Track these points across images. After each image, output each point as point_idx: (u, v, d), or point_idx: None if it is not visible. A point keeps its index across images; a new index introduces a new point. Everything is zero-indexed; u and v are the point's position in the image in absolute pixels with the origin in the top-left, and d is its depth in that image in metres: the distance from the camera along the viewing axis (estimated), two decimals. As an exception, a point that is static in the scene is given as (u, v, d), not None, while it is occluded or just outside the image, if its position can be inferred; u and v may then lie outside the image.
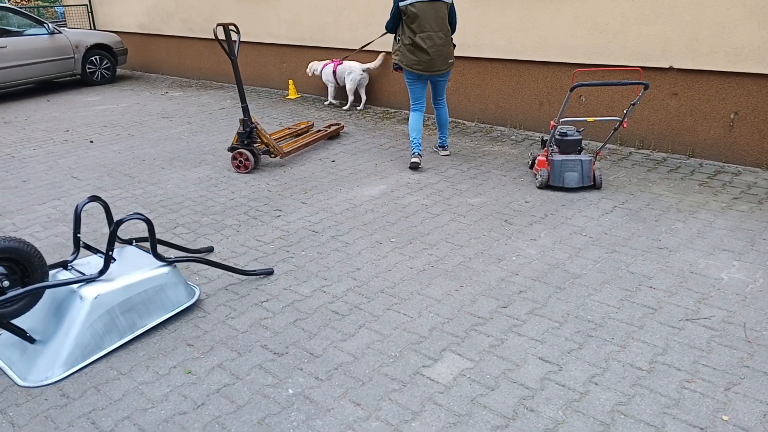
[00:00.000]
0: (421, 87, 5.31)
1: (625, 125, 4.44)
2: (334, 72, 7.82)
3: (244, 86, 9.97)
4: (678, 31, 5.19)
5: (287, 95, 8.94)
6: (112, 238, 2.78)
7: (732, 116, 5.13)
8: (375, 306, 3.14)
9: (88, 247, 3.09)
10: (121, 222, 2.77)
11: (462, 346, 2.78)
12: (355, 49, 7.74)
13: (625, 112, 4.42)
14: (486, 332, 2.88)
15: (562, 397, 2.42)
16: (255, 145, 5.54)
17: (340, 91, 8.24)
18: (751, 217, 4.10)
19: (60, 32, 10.29)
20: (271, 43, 9.19)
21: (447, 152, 5.82)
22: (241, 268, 3.42)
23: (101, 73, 11.01)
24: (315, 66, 8.01)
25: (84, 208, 4.53)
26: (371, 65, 7.71)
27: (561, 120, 4.57)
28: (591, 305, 3.09)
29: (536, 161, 4.97)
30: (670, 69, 5.35)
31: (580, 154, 4.82)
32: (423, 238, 3.96)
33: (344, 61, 7.77)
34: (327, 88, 8.31)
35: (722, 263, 3.48)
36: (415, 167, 5.36)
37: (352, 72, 7.67)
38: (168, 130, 7.15)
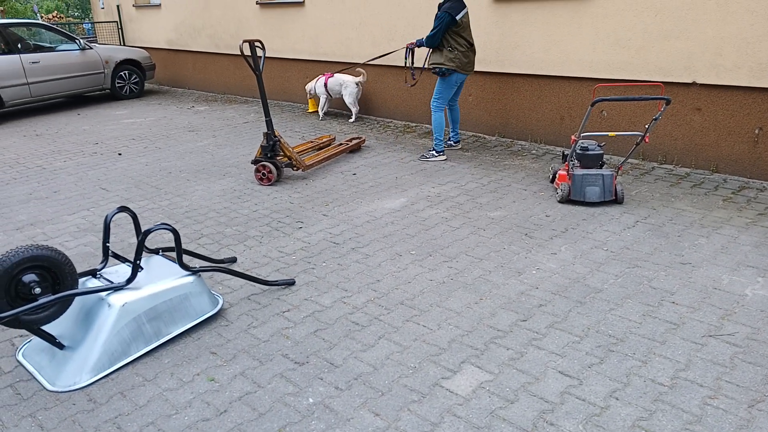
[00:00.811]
0: (459, 89, 6.24)
1: (647, 140, 4.43)
2: (325, 84, 8.11)
3: (267, 100, 10.15)
4: (701, 46, 5.17)
5: (307, 109, 9.06)
6: (140, 248, 2.86)
7: (756, 132, 5.08)
8: (395, 317, 3.17)
9: (116, 256, 3.17)
10: (149, 232, 2.84)
11: (481, 358, 2.79)
12: (356, 63, 7.91)
13: (647, 126, 4.41)
14: (505, 345, 2.89)
15: (582, 411, 2.41)
16: (278, 158, 5.63)
17: (333, 103, 8.63)
18: (776, 233, 4.04)
19: (91, 48, 10.59)
20: (295, 59, 9.34)
21: (460, 145, 6.66)
22: (263, 279, 3.48)
23: (130, 87, 11.29)
24: (310, 85, 8.42)
25: (113, 219, 4.65)
26: (361, 79, 7.98)
27: (582, 134, 4.57)
28: (612, 320, 3.08)
29: (557, 175, 4.96)
30: (693, 84, 5.33)
31: (601, 168, 4.81)
32: (443, 251, 3.98)
33: (335, 74, 8.03)
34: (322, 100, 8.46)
35: (746, 279, 3.44)
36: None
37: (348, 86, 7.92)
38: (194, 143, 7.30)
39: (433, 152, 6.20)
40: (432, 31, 5.81)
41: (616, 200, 4.73)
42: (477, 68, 6.79)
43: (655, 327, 2.99)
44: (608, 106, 5.91)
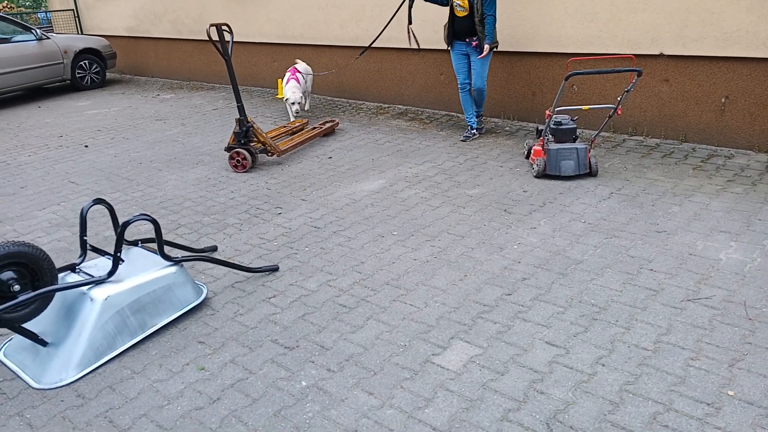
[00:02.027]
0: None
1: (619, 112, 4.50)
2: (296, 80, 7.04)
3: (230, 86, 9.97)
4: (667, 18, 5.25)
5: (277, 94, 8.95)
6: (120, 240, 2.80)
7: (723, 100, 5.20)
8: (381, 298, 3.18)
9: (95, 250, 3.11)
10: (128, 223, 2.79)
11: (470, 333, 2.82)
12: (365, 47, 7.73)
13: (619, 99, 4.48)
14: (492, 319, 2.93)
15: (570, 379, 2.47)
16: (252, 144, 5.56)
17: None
18: (745, 198, 4.16)
19: (48, 38, 10.24)
20: (262, 42, 9.19)
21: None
22: (246, 266, 3.45)
23: (91, 77, 10.97)
24: (287, 92, 6.95)
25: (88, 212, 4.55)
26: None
27: (556, 109, 4.62)
28: (594, 290, 3.14)
29: (532, 151, 5.02)
30: (661, 56, 5.41)
31: (575, 142, 4.87)
32: (424, 230, 4.00)
33: (297, 66, 7.30)
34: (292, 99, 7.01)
35: (720, 244, 3.54)
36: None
37: (310, 74, 7.49)
38: (162, 133, 7.15)
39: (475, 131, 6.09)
40: (492, 16, 5.42)
41: (591, 173, 4.80)
42: (436, 46, 6.78)
43: (635, 294, 3.07)
44: (579, 80, 5.97)
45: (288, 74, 7.08)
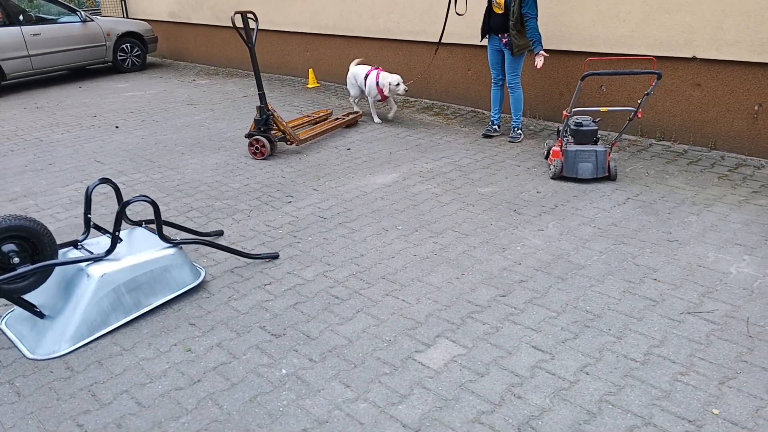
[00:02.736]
0: None
1: (639, 115, 4.37)
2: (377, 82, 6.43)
3: (267, 74, 10.09)
4: (702, 20, 5.06)
5: (307, 84, 9.00)
6: (119, 219, 2.87)
7: (756, 108, 4.99)
8: (375, 291, 3.18)
9: (98, 228, 3.20)
10: (127, 203, 2.86)
11: (457, 332, 2.80)
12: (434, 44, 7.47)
13: (639, 102, 4.35)
14: (482, 320, 2.89)
15: (551, 385, 2.42)
16: (272, 132, 5.61)
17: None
18: (768, 211, 4.00)
19: (92, 20, 10.53)
20: (295, 32, 9.25)
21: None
22: (246, 252, 3.49)
23: (132, 60, 11.23)
24: (388, 77, 6.38)
25: (103, 192, 4.68)
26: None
27: (574, 110, 4.51)
28: (591, 296, 3.07)
29: (551, 152, 4.92)
30: (693, 59, 5.22)
31: (596, 144, 4.75)
32: (430, 227, 3.97)
33: (380, 71, 6.50)
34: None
35: (733, 257, 3.41)
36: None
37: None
38: (191, 117, 7.28)
39: (520, 131, 5.88)
40: (533, 19, 5.26)
41: (609, 177, 4.68)
42: (475, 41, 6.70)
43: (634, 303, 2.99)
44: (607, 81, 5.82)
45: (372, 72, 6.47)
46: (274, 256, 3.55)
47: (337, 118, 6.54)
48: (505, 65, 5.72)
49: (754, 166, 4.87)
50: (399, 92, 6.33)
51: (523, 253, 3.57)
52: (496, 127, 6.03)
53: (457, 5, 5.92)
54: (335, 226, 4.03)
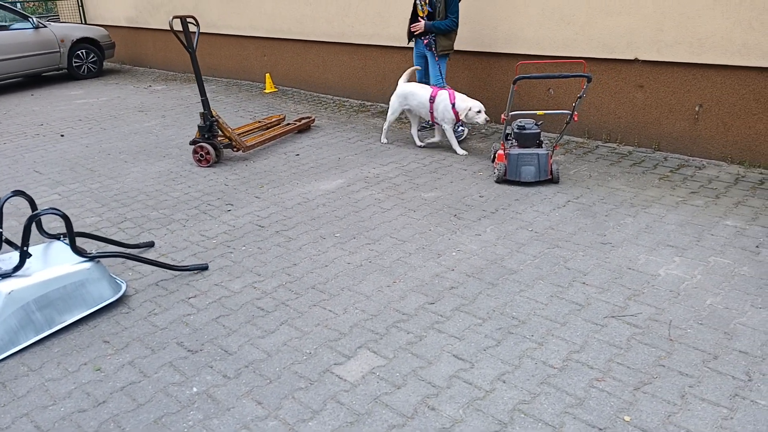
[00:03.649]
0: None
1: (576, 119, 4.38)
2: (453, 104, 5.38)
3: (226, 79, 9.96)
4: (643, 21, 5.10)
5: (264, 89, 8.90)
6: (27, 233, 2.76)
7: (697, 109, 5.05)
8: (302, 302, 3.11)
9: (9, 243, 3.08)
10: (34, 216, 2.75)
11: (379, 343, 2.74)
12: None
13: (573, 105, 4.36)
14: (407, 329, 2.85)
15: (466, 395, 2.39)
16: (218, 138, 5.52)
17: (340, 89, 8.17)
18: (704, 212, 4.02)
19: (45, 26, 10.30)
20: (253, 36, 9.15)
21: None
22: (172, 264, 3.40)
23: (88, 67, 11.01)
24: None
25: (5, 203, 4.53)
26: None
27: (510, 113, 4.51)
28: (519, 301, 3.05)
29: (496, 155, 4.91)
30: (636, 61, 5.27)
31: (539, 147, 4.75)
32: (368, 233, 3.92)
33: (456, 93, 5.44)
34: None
35: (663, 259, 3.42)
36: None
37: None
38: (141, 124, 7.14)
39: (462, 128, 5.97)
40: (454, 13, 5.50)
41: (552, 180, 4.68)
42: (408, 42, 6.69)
43: (559, 308, 2.97)
44: (555, 84, 5.84)
45: (441, 93, 5.43)
46: (203, 268, 3.46)
47: (288, 124, 6.47)
48: (429, 69, 5.86)
49: (695, 167, 4.92)
50: (478, 121, 5.25)
51: (458, 258, 3.54)
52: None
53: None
54: (271, 234, 3.95)
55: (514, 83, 4.10)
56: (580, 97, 4.26)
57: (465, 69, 6.55)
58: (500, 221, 4.03)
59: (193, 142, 5.47)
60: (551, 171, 4.65)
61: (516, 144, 4.80)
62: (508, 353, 2.64)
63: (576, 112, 4.38)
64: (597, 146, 5.57)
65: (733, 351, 2.59)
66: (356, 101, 7.95)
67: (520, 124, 4.76)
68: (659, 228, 3.81)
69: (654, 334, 2.73)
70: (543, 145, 4.76)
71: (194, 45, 5.19)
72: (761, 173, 4.69)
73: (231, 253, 3.70)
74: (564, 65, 5.57)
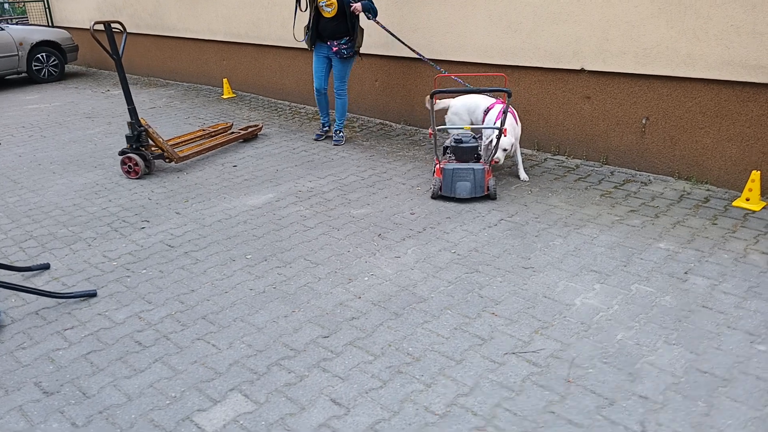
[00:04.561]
0: None
1: (505, 133, 4.17)
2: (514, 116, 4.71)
3: (186, 83, 9.72)
4: (588, 30, 4.90)
5: (222, 95, 8.67)
6: None
7: (644, 122, 4.85)
8: (186, 335, 2.88)
9: None
10: None
11: (255, 385, 2.52)
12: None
13: (499, 121, 4.16)
14: (290, 367, 2.62)
15: (331, 449, 2.16)
16: (152, 149, 5.29)
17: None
18: (639, 232, 3.82)
19: (2, 29, 10.03)
20: (212, 40, 8.91)
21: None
22: (56, 292, 3.16)
23: (49, 70, 10.75)
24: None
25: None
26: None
27: (437, 128, 4.30)
28: (419, 335, 2.83)
29: (435, 169, 4.70)
30: (582, 71, 5.07)
31: (478, 161, 4.55)
32: (281, 255, 3.70)
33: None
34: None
35: (583, 286, 3.21)
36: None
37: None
38: (84, 131, 6.89)
39: (342, 134, 6.15)
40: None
41: (489, 196, 4.47)
42: (381, 52, 6.50)
43: (460, 343, 2.75)
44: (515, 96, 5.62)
45: (497, 106, 4.62)
46: (91, 294, 3.23)
47: (232, 132, 6.24)
48: (333, 72, 5.83)
49: (641, 182, 4.72)
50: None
51: (369, 284, 3.32)
52: (326, 129, 6.25)
53: (300, 3, 5.76)
54: (179, 255, 3.72)
55: (430, 97, 3.89)
56: (504, 113, 4.05)
57: (418, 76, 6.34)
58: (425, 242, 3.81)
59: (121, 153, 5.23)
60: (488, 187, 4.44)
61: (453, 158, 4.60)
62: (390, 397, 2.42)
63: (505, 128, 4.17)
64: (545, 159, 5.37)
65: (632, 396, 2.38)
66: (312, 108, 7.72)
67: (457, 137, 4.55)
68: (587, 251, 3.60)
69: (552, 375, 2.52)
70: (480, 159, 4.55)
71: (120, 51, 4.95)
72: (708, 190, 4.49)
73: (128, 277, 3.47)
74: (486, 78, 5.41)
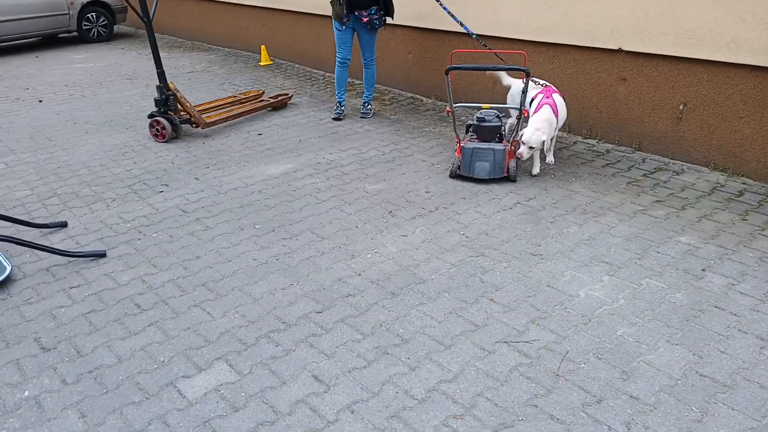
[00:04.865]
0: None
1: (526, 113, 4.02)
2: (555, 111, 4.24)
3: (227, 48, 9.77)
4: (628, 8, 4.64)
5: (259, 61, 8.68)
6: None
7: (681, 107, 4.60)
8: (184, 301, 2.93)
9: None
10: None
11: (242, 355, 2.55)
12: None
13: (520, 101, 4.00)
14: (278, 341, 2.64)
15: (304, 425, 2.17)
16: (181, 113, 5.35)
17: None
18: (660, 224, 3.66)
19: (53, -13, 10.26)
20: (252, 5, 8.90)
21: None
22: (67, 250, 3.26)
23: (98, 30, 10.96)
24: (531, 127, 4.11)
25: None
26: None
27: (455, 105, 4.18)
28: (412, 317, 2.79)
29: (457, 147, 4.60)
30: (619, 51, 4.82)
31: (501, 141, 4.42)
32: (290, 227, 3.70)
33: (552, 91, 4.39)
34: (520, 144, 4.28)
35: (591, 277, 3.10)
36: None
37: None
38: (122, 93, 7.03)
39: (371, 107, 6.04)
40: None
41: (509, 178, 4.35)
42: (415, 23, 6.35)
43: (452, 327, 2.70)
44: (539, 73, 5.43)
45: (540, 96, 4.34)
46: (101, 255, 3.31)
47: (262, 101, 6.25)
48: (362, 43, 5.67)
49: (673, 171, 4.50)
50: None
51: (371, 261, 3.29)
52: (344, 108, 5.98)
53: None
54: (191, 221, 3.77)
55: (446, 73, 3.77)
56: (523, 92, 3.89)
57: (451, 51, 6.18)
58: (435, 222, 3.75)
59: (150, 116, 5.31)
60: (507, 168, 4.32)
61: (475, 137, 4.48)
62: (372, 378, 2.40)
63: (526, 108, 4.02)
64: (575, 142, 5.18)
65: (622, 395, 2.30)
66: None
67: (479, 115, 4.43)
68: (602, 240, 3.47)
69: (541, 367, 2.45)
70: (503, 139, 4.42)
71: (151, 13, 4.98)
72: (743, 183, 4.25)
73: (139, 239, 3.54)
74: (507, 56, 5.17)
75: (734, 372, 2.41)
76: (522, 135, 4.17)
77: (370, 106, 6.03)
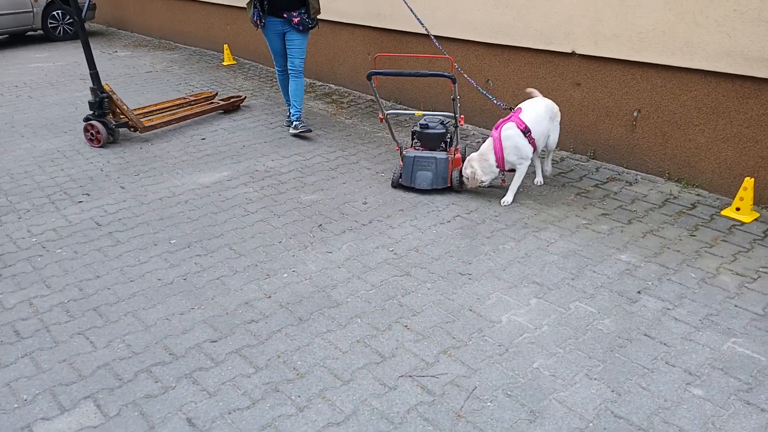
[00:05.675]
0: None
1: (462, 122, 3.79)
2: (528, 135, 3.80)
3: (192, 47, 9.51)
4: (582, 8, 4.42)
5: (222, 61, 8.42)
6: None
7: (635, 114, 4.38)
8: (68, 328, 2.69)
9: None
10: None
11: (114, 393, 2.30)
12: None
13: (453, 108, 3.78)
14: (159, 376, 2.40)
15: (161, 478, 1.93)
16: (120, 116, 5.10)
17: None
18: (603, 240, 3.43)
19: (16, -16, 9.97)
20: (217, 3, 8.64)
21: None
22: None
23: (64, 28, 10.68)
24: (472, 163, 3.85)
25: None
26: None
27: (388, 112, 3.95)
28: (315, 346, 2.56)
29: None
30: (573, 54, 4.60)
31: (445, 150, 4.19)
32: (207, 242, 3.46)
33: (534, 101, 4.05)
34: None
35: (518, 300, 2.87)
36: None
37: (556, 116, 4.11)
38: (71, 94, 6.77)
39: (304, 123, 5.29)
40: None
41: (452, 188, 4.12)
42: (366, 23, 6.12)
43: (355, 359, 2.47)
44: (494, 77, 5.20)
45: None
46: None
47: (211, 103, 6.00)
48: (291, 49, 5.02)
49: (626, 182, 4.28)
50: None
51: (285, 282, 3.05)
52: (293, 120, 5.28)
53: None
54: (102, 235, 3.52)
55: (368, 78, 3.54)
56: (453, 99, 3.67)
57: (408, 51, 5.94)
58: (365, 237, 3.51)
59: (85, 120, 5.05)
60: (451, 178, 4.09)
61: (419, 145, 4.25)
62: (252, 422, 2.16)
63: (461, 116, 3.79)
64: (530, 149, 4.94)
65: (524, 441, 2.07)
66: (307, 80, 7.40)
67: (423, 122, 4.20)
68: (537, 258, 3.25)
69: (443, 406, 2.22)
70: (448, 146, 4.19)
71: (83, 13, 4.72)
72: (698, 195, 4.04)
73: (40, 256, 3.29)
74: (426, 62, 4.90)
75: (653, 413, 2.19)
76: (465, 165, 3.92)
77: (301, 124, 5.17)
